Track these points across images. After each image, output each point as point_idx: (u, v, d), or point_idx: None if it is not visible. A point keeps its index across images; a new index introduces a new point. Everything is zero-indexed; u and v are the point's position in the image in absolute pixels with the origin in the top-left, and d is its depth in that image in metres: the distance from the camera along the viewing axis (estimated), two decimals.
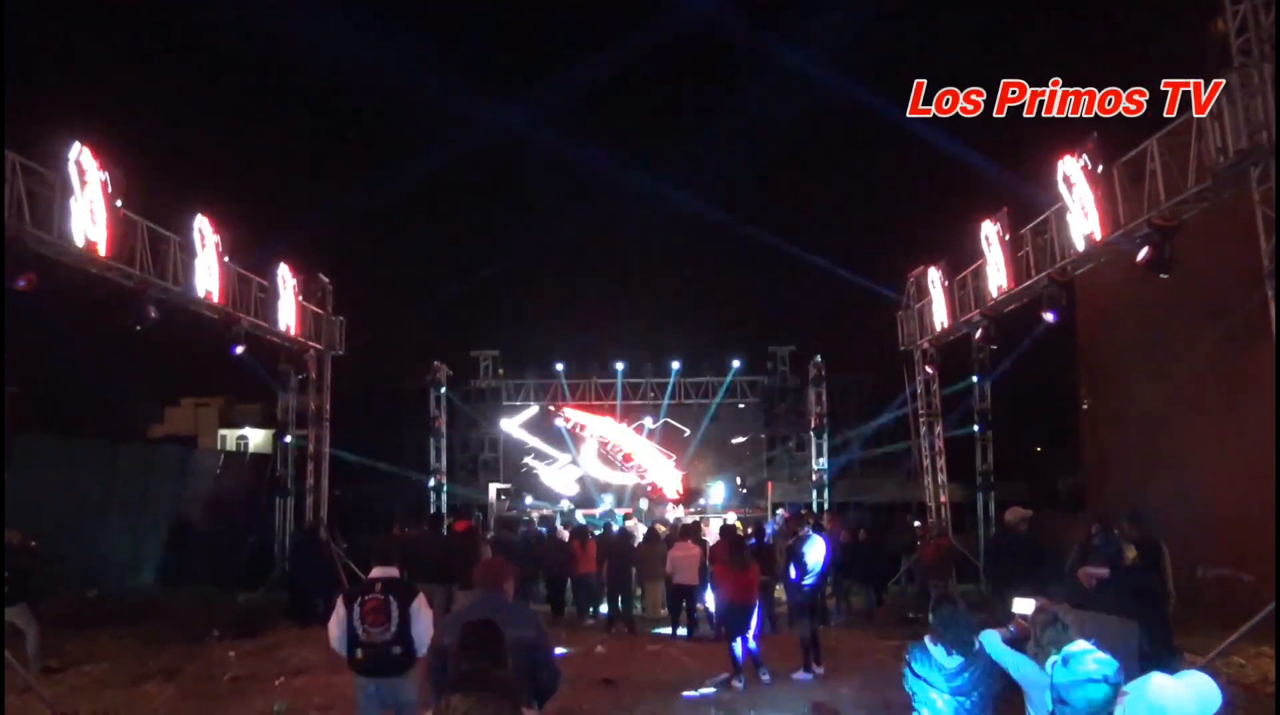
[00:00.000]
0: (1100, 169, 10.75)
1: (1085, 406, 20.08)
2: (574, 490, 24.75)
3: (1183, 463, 15.17)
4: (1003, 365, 18.23)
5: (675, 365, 25.25)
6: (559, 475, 25.28)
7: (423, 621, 5.84)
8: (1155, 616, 5.79)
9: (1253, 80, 8.33)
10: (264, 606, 15.83)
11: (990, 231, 14.25)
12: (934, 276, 16.99)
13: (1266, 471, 11.89)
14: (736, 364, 25.30)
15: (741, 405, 25.89)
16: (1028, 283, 13.22)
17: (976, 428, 19.05)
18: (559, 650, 8.05)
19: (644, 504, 22.22)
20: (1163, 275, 9.83)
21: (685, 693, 9.93)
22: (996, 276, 14.18)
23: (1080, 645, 3.01)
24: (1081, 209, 11.18)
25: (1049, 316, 12.37)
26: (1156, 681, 2.62)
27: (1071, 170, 11.20)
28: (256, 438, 43.41)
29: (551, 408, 25.50)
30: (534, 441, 25.56)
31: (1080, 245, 11.44)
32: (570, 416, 25.47)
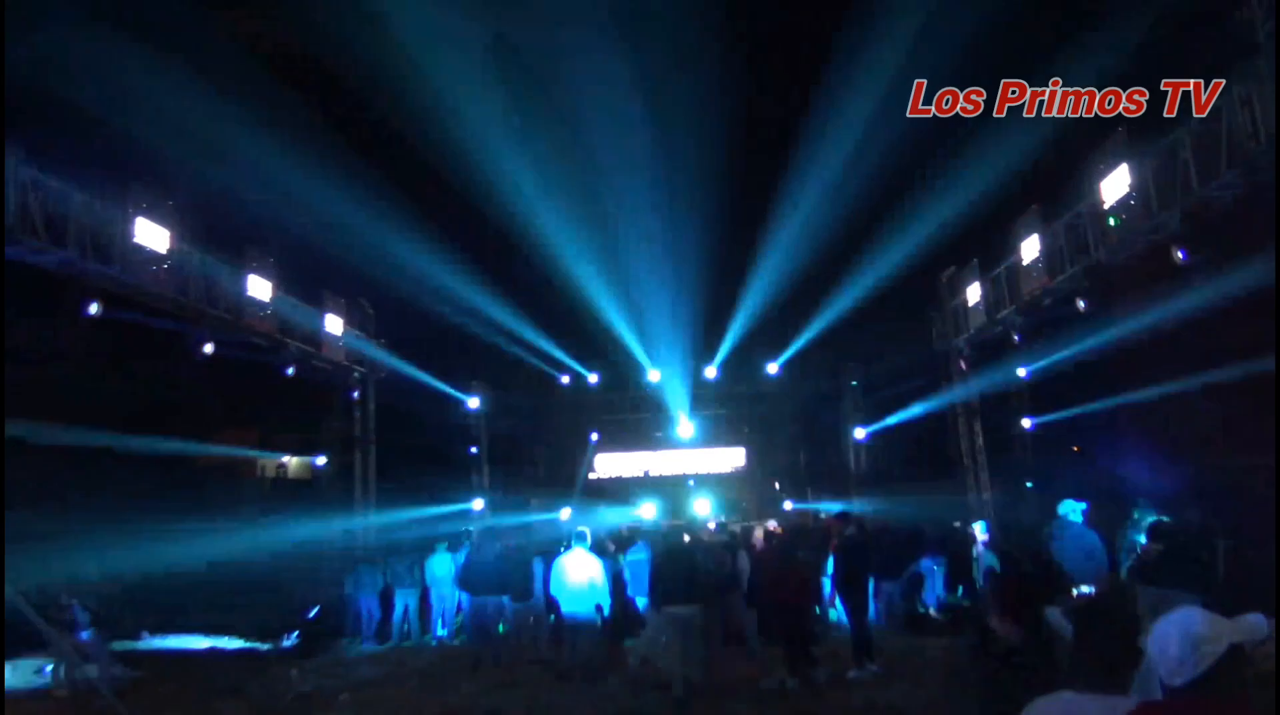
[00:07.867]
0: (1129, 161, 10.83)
1: (1118, 400, 19.90)
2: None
3: (1210, 451, 15.11)
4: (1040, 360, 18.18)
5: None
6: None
7: None
8: (1210, 588, 5.96)
9: None
10: (319, 626, 16.10)
11: (1024, 227, 14.31)
12: (968, 274, 17.04)
13: None
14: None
15: (779, 410, 25.96)
16: (1063, 277, 13.25)
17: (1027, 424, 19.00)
18: None
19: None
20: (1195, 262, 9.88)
21: (742, 692, 10.07)
22: (1031, 271, 14.22)
23: None
24: (1113, 201, 11.27)
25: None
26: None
27: (1102, 163, 11.29)
28: (294, 464, 43.79)
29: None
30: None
31: (1114, 237, 11.51)
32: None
